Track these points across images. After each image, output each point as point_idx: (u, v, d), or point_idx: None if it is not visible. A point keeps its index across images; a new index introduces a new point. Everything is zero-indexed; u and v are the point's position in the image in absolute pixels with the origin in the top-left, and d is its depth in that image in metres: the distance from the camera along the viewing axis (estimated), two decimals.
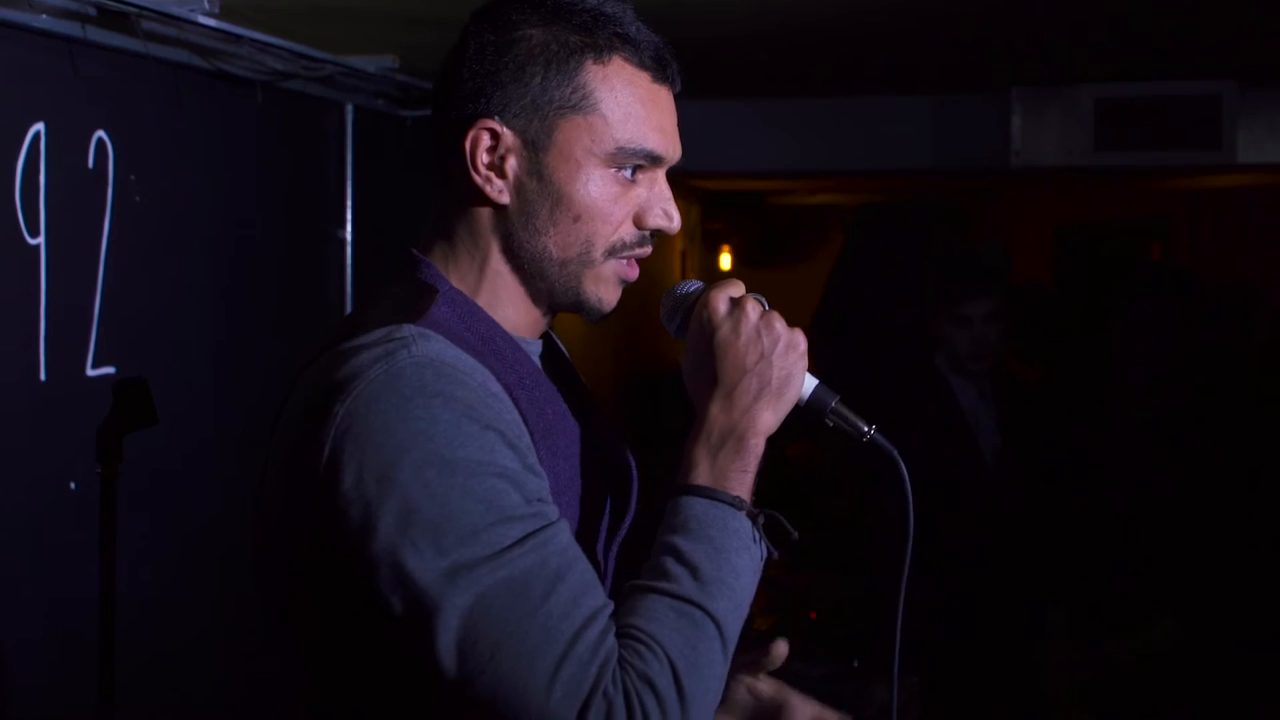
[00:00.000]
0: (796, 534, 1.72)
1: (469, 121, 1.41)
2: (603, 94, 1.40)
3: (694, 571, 1.31)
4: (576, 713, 1.21)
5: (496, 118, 1.40)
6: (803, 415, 1.50)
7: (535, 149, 1.40)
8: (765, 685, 1.65)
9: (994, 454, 3.62)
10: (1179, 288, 4.03)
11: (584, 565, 1.29)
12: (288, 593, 1.37)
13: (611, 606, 1.28)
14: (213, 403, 3.16)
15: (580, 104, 1.39)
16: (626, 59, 1.41)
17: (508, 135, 1.40)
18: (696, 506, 1.36)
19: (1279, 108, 4.52)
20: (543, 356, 1.53)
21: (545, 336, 1.54)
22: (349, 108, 3.79)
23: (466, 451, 1.25)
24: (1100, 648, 3.77)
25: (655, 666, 1.24)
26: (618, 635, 1.26)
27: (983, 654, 3.57)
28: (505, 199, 1.42)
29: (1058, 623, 3.79)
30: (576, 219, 1.41)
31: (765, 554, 1.39)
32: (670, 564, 1.31)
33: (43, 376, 2.61)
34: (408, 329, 1.33)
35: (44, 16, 2.55)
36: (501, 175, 1.41)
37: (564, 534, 1.30)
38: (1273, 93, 4.46)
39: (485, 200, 1.43)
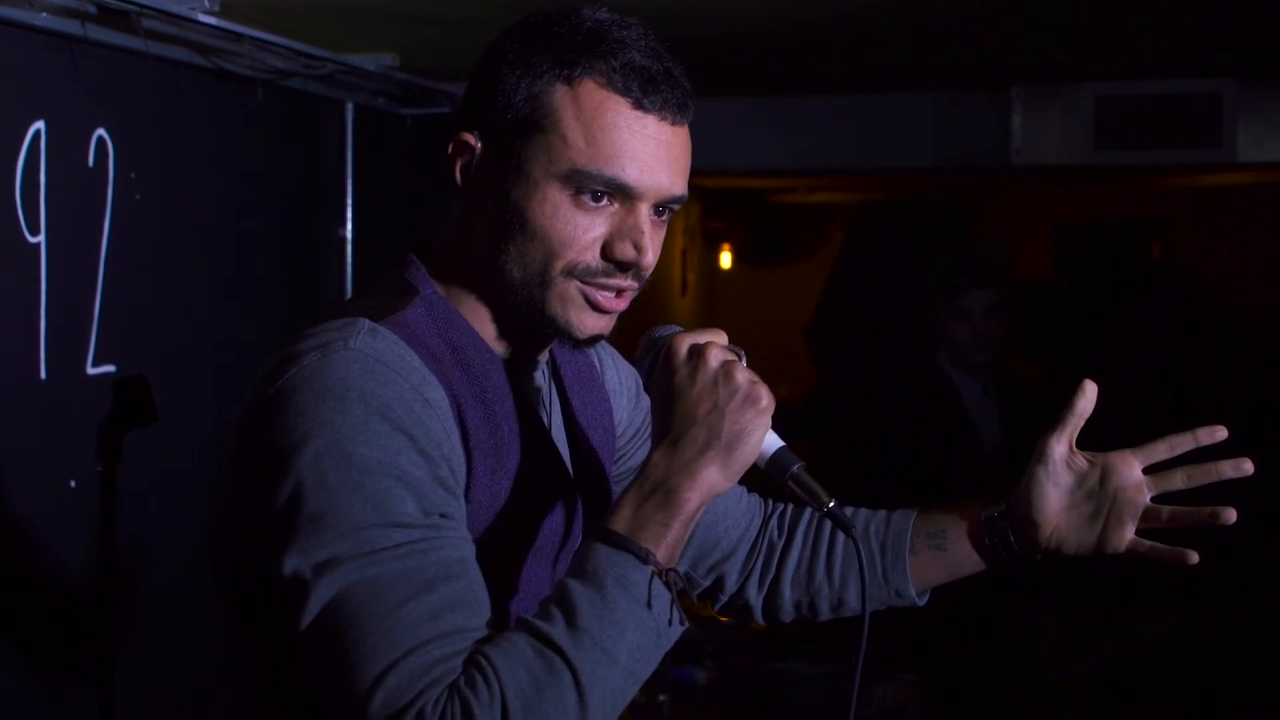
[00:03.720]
0: (695, 597, 1.68)
1: (452, 133, 1.43)
2: (566, 115, 1.38)
3: (570, 616, 1.23)
4: None
5: (475, 132, 1.41)
6: (762, 477, 1.42)
7: (502, 166, 1.40)
8: (1080, 457, 1.58)
9: (996, 451, 3.62)
10: (1182, 288, 4.03)
11: (467, 584, 1.25)
12: (225, 574, 1.39)
13: (481, 634, 1.24)
14: (213, 401, 3.16)
15: (541, 122, 1.38)
16: (600, 84, 1.38)
17: (480, 149, 1.41)
18: (600, 552, 1.28)
19: (1279, 106, 4.52)
20: (535, 373, 1.52)
21: (547, 353, 1.53)
22: (349, 106, 3.79)
23: (369, 449, 1.25)
24: (1096, 646, 3.77)
25: (483, 698, 1.18)
26: (466, 660, 1.21)
27: (980, 653, 3.57)
28: (477, 213, 1.42)
29: (1054, 621, 3.79)
30: (532, 238, 1.39)
31: (674, 617, 1.28)
32: (553, 604, 1.26)
33: (43, 375, 2.61)
34: (361, 323, 1.34)
35: (44, 15, 2.55)
36: (475, 189, 1.42)
37: (454, 549, 1.26)
38: (1273, 91, 4.46)
39: (467, 216, 1.44)
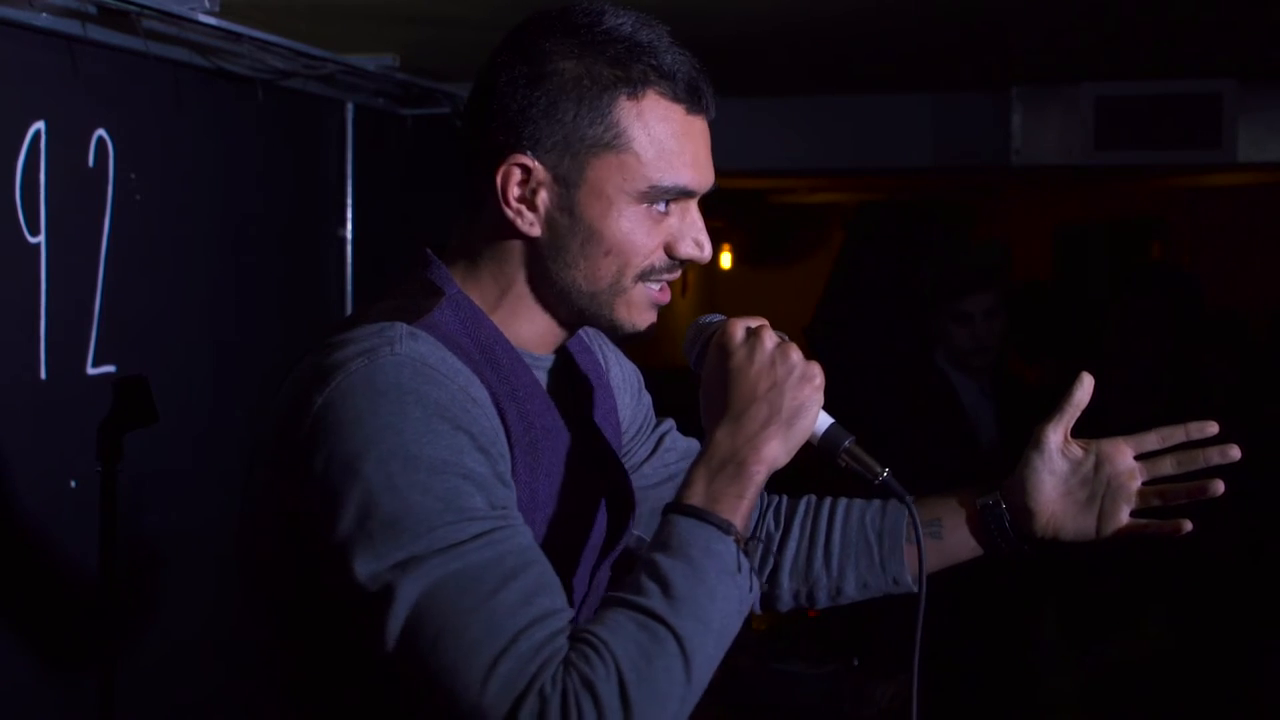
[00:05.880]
0: (773, 563, 1.72)
1: (501, 155, 1.40)
2: (636, 131, 1.40)
3: (665, 587, 1.27)
4: (508, 708, 1.19)
5: (529, 153, 1.40)
6: (815, 453, 1.48)
7: (567, 185, 1.40)
8: (1075, 446, 1.64)
9: (993, 451, 3.63)
10: (1175, 287, 4.04)
11: (544, 568, 1.28)
12: (272, 586, 1.38)
13: (571, 613, 1.27)
14: (213, 401, 3.16)
15: (613, 142, 1.39)
16: (660, 93, 1.40)
17: (540, 170, 1.40)
18: (681, 525, 1.33)
19: (1279, 106, 4.52)
20: (554, 372, 1.53)
21: (561, 351, 1.55)
22: (349, 106, 3.79)
23: (434, 449, 1.26)
24: (1094, 649, 3.77)
25: (600, 672, 1.21)
26: (571, 638, 1.24)
27: (978, 656, 3.57)
28: (536, 231, 1.42)
29: (1052, 624, 3.79)
30: (607, 253, 1.42)
31: (754, 586, 1.35)
32: (644, 578, 1.29)
33: (43, 375, 2.61)
34: (399, 327, 1.34)
35: (44, 15, 2.55)
36: (533, 208, 1.41)
37: (525, 536, 1.29)
38: (1273, 91, 4.46)
39: (515, 231, 1.43)
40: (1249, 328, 4.76)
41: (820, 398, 1.42)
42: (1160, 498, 1.63)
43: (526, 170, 1.40)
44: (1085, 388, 1.63)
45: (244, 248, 3.35)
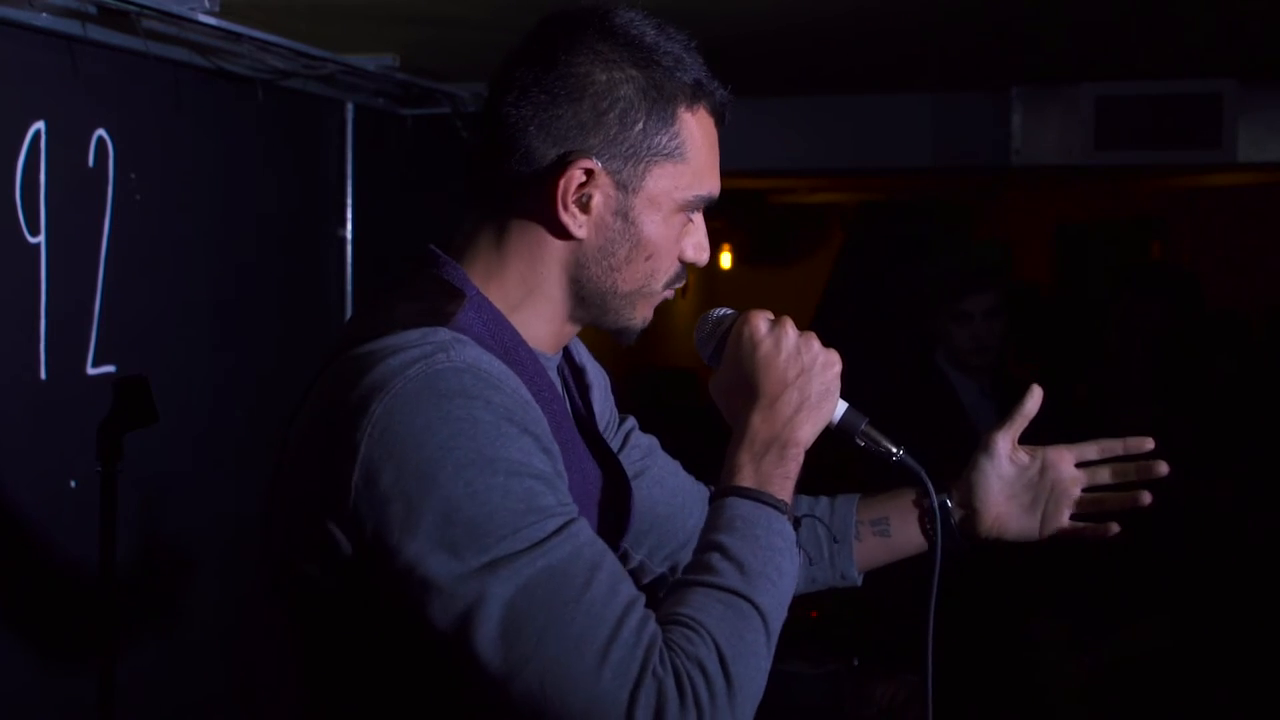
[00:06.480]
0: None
1: (566, 159, 1.40)
2: (691, 144, 1.45)
3: (739, 566, 1.34)
4: (628, 694, 1.23)
5: (595, 158, 1.41)
6: (834, 436, 1.56)
7: (625, 191, 1.43)
8: (1022, 452, 1.78)
9: None
10: (1175, 287, 4.03)
11: (613, 557, 1.32)
12: (307, 593, 1.36)
13: (644, 596, 1.30)
14: (213, 401, 3.17)
15: (674, 152, 1.43)
16: (706, 107, 1.46)
17: (602, 175, 1.41)
18: (742, 507, 1.40)
19: (1279, 106, 4.52)
20: (558, 372, 1.55)
21: (565, 352, 1.57)
22: (349, 106, 3.80)
23: (508, 452, 1.27)
24: (1095, 648, 3.77)
25: (703, 650, 1.27)
26: (664, 622, 1.29)
27: (979, 654, 3.57)
28: (584, 234, 1.43)
29: (1053, 623, 3.79)
30: (649, 258, 1.46)
31: (801, 559, 1.45)
32: (716, 559, 1.35)
33: (43, 375, 2.62)
34: (443, 333, 1.34)
35: (44, 15, 2.55)
36: (585, 211, 1.42)
37: (589, 527, 1.32)
38: (1273, 91, 4.46)
39: (562, 233, 1.43)
40: (1249, 328, 4.75)
41: (839, 383, 1.50)
42: (1103, 505, 1.76)
43: (589, 174, 1.41)
44: (1035, 399, 1.77)
45: (244, 248, 3.35)
